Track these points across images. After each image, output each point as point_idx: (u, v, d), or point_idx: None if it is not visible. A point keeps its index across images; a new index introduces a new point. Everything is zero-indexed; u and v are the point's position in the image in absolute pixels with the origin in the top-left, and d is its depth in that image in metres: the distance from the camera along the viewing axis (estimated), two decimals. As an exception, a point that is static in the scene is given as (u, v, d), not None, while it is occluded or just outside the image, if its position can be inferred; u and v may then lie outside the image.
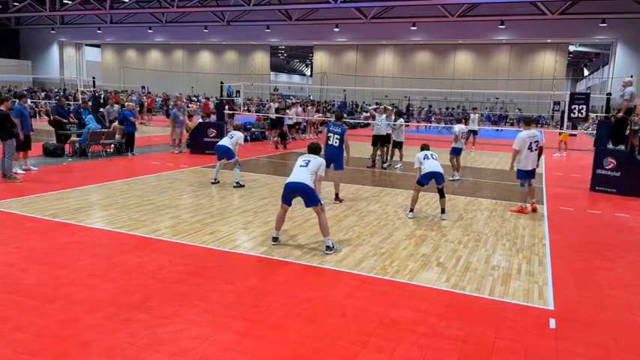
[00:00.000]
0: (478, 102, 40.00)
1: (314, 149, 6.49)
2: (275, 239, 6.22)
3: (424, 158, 8.03)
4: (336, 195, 8.94)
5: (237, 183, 9.93)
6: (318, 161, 6.14)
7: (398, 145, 13.73)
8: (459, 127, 11.85)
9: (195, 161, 13.17)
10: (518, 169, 8.51)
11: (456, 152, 11.77)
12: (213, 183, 10.02)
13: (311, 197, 5.92)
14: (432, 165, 7.90)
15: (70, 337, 3.73)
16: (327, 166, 8.57)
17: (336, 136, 8.70)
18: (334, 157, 8.71)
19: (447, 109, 38.36)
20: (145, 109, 26.95)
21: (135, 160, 13.29)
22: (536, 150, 8.46)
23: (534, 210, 8.67)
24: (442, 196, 8.01)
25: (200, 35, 44.61)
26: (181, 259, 5.54)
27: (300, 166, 6.06)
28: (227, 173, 10.74)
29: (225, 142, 10.04)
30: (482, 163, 15.82)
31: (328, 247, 5.93)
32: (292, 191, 6.01)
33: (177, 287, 4.73)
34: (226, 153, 9.96)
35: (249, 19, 40.63)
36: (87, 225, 6.73)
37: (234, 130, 10.71)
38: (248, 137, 19.24)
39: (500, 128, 28.18)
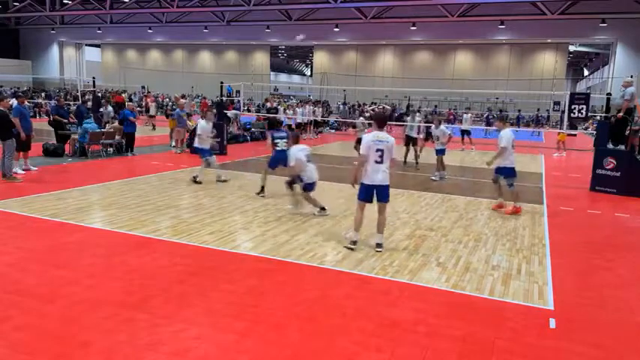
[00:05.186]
0: (478, 102, 39.99)
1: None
2: (354, 242, 6.07)
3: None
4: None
5: (219, 178, 10.12)
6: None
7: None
8: (440, 130, 11.85)
9: (195, 161, 13.15)
10: (506, 167, 8.46)
11: (439, 153, 11.82)
12: (195, 182, 9.99)
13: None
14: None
15: (70, 337, 3.73)
16: (275, 165, 8.89)
17: (283, 140, 8.85)
18: (285, 159, 8.47)
19: (454, 109, 38.18)
20: (148, 110, 26.59)
21: (135, 160, 13.29)
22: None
23: (501, 207, 8.64)
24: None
25: (200, 35, 44.57)
26: (181, 259, 5.54)
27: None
28: (228, 173, 10.75)
29: (195, 142, 10.10)
30: (482, 163, 15.78)
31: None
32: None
33: (177, 287, 4.73)
34: (200, 152, 10.05)
35: (249, 19, 40.59)
36: (87, 225, 6.73)
37: (205, 119, 10.48)
38: (248, 137, 19.30)
39: (493, 128, 28.08)
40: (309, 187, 7.75)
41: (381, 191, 5.96)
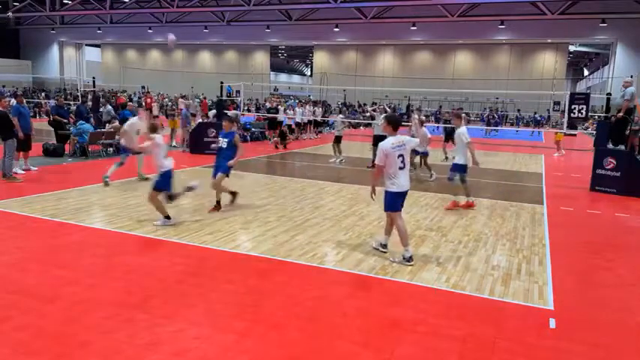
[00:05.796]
0: (478, 102, 39.97)
1: None
2: (410, 258, 5.65)
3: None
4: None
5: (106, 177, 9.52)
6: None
7: (338, 139, 14.38)
8: (422, 131, 11.75)
9: (195, 161, 13.17)
10: (463, 164, 8.52)
11: (422, 154, 11.82)
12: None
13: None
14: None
15: (70, 337, 3.73)
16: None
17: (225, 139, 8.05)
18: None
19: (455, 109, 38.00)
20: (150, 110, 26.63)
21: (135, 160, 13.25)
22: None
23: (471, 206, 8.68)
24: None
25: (200, 35, 44.57)
26: (181, 259, 5.54)
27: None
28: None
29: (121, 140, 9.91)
30: (482, 163, 15.77)
31: (405, 258, 5.63)
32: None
33: (177, 287, 4.73)
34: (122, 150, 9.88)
35: (249, 19, 40.62)
36: (87, 225, 6.73)
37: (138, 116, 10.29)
38: (248, 137, 19.27)
39: (496, 129, 28.13)
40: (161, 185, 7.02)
41: (404, 196, 5.86)
